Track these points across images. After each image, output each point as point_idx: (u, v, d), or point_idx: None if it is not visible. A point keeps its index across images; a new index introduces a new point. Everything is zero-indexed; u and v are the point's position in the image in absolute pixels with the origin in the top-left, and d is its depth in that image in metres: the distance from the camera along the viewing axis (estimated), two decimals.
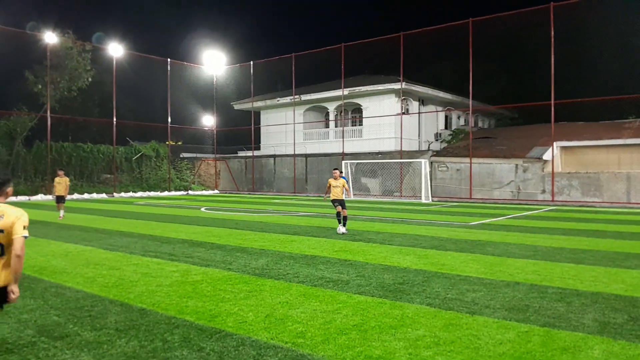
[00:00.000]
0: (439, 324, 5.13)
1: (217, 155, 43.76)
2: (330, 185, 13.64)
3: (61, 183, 17.47)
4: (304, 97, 38.39)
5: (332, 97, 37.11)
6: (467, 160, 28.67)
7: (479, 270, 7.95)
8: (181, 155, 43.44)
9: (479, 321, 5.22)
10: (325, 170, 33.69)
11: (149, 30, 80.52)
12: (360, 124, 37.67)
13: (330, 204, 13.78)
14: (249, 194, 37.73)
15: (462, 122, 41.61)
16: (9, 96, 37.48)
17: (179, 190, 39.38)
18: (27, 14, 69.21)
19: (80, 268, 8.15)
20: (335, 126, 38.98)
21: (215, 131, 44.11)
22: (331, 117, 39.27)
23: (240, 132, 44.37)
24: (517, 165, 27.26)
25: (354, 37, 55.79)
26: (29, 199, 29.26)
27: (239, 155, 43.30)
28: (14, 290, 3.81)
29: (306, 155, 36.55)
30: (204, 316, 5.44)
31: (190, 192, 39.16)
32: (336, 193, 13.44)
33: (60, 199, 17.28)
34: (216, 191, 41.08)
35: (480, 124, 43.43)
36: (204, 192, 39.52)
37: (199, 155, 44.28)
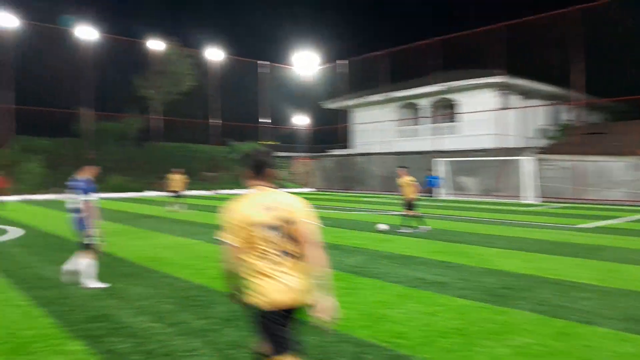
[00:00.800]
0: (549, 332, 4.80)
1: (310, 154, 44.64)
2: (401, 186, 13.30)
3: (175, 179, 19.26)
4: (396, 94, 37.92)
5: (426, 93, 36.27)
6: (575, 157, 26.60)
7: (591, 276, 7.33)
8: (276, 154, 44.87)
9: (594, 331, 4.82)
10: (418, 168, 33.05)
11: (247, 34, 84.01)
12: (456, 120, 36.44)
13: (419, 205, 13.39)
14: (341, 192, 38.06)
15: (569, 116, 38.67)
16: (121, 100, 41.14)
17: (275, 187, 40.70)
18: (135, 23, 75.30)
19: (188, 260, 8.70)
20: (429, 123, 38.07)
21: (308, 130, 45.02)
22: (424, 113, 38.42)
23: (332, 131, 44.90)
24: (632, 163, 24.81)
25: (448, 29, 54.00)
26: (139, 195, 31.83)
27: (330, 153, 43.84)
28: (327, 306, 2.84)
29: (398, 153, 36.08)
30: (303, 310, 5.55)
31: (285, 189, 40.32)
32: (404, 193, 13.07)
33: (174, 194, 19.08)
34: (309, 189, 41.96)
35: (589, 119, 40.10)
36: (298, 190, 40.53)
37: (292, 154, 45.51)
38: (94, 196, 6.73)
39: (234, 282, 2.93)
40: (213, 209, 20.43)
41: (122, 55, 36.38)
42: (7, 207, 20.11)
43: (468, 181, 31.21)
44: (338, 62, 41.59)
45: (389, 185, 35.91)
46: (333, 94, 43.70)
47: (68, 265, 6.95)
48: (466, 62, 37.15)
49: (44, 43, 33.27)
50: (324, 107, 44.87)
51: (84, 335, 4.74)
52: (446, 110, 38.25)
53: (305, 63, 43.23)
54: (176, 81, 37.72)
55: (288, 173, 43.72)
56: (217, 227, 10.98)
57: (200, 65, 39.45)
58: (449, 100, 36.23)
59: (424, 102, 37.81)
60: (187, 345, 4.49)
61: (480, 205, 23.20)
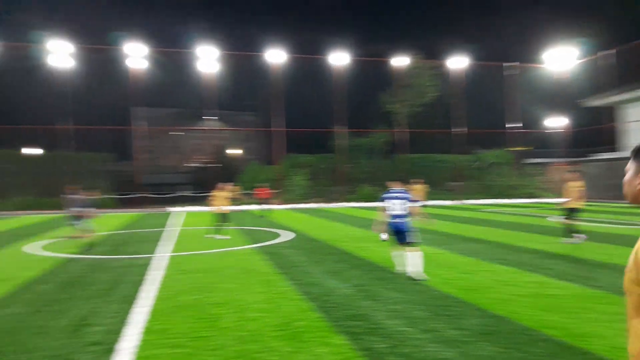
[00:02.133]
0: None
1: (569, 159, 39.94)
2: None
3: (416, 189, 19.39)
4: None
5: None
6: None
7: None
8: (527, 161, 41.65)
9: None
10: None
11: (493, 38, 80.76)
12: None
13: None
14: (609, 202, 32.87)
15: None
16: (370, 116, 44.19)
17: (526, 197, 37.77)
18: (381, 43, 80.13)
19: (435, 269, 8.72)
20: None
21: (565, 133, 40.47)
22: None
23: (596, 132, 39.29)
24: None
25: None
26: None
27: (594, 157, 38.37)
28: None
29: None
30: (566, 333, 4.95)
31: (537, 199, 37.02)
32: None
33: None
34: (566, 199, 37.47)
35: None
36: (553, 200, 36.63)
37: (546, 160, 41.48)
38: (411, 204, 8.06)
39: None
40: (456, 219, 20.07)
41: (370, 75, 39.30)
42: (273, 215, 23.59)
43: None
44: (603, 52, 36.30)
45: None
46: (596, 89, 38.28)
47: (408, 267, 7.98)
48: None
49: (304, 72, 38.40)
50: (584, 105, 39.66)
51: (346, 332, 5.17)
52: None
53: (561, 58, 39.02)
54: (420, 93, 38.66)
55: (543, 182, 39.98)
56: (462, 238, 10.67)
57: (443, 75, 39.62)
58: None
59: None
60: (442, 353, 4.47)
61: None
